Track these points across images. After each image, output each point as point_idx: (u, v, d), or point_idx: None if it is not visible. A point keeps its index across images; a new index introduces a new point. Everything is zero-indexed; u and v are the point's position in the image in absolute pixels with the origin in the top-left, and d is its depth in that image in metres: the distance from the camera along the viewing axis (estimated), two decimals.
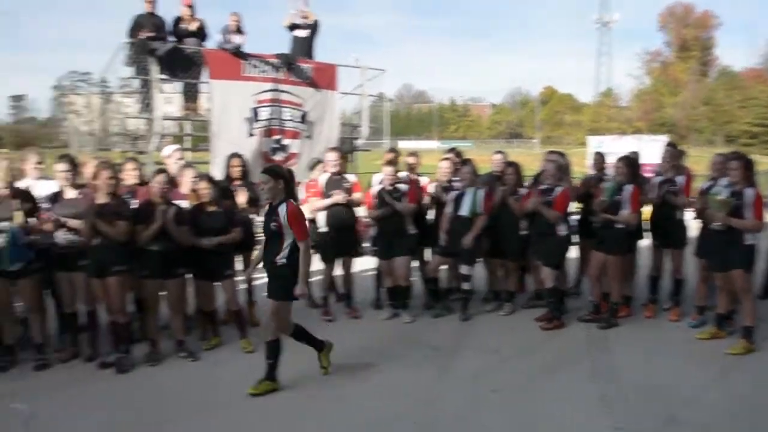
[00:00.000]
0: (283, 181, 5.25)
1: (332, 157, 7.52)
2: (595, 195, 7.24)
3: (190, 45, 10.56)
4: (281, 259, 5.23)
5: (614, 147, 16.62)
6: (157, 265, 6.01)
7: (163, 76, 10.44)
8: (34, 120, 78.60)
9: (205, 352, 6.36)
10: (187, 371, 5.91)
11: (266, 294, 5.40)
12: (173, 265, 6.10)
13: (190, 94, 11.01)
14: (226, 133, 9.99)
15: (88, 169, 6.52)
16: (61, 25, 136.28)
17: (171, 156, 7.21)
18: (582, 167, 13.66)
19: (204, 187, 6.38)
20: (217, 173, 7.88)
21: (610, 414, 4.91)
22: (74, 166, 6.31)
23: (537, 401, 5.17)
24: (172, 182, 6.54)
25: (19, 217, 5.74)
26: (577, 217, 7.92)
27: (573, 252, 7.67)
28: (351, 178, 7.56)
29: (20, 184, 6.15)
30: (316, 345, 5.72)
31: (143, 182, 6.65)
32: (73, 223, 5.85)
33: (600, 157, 8.18)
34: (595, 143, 22.05)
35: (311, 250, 7.30)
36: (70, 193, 6.11)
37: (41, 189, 6.24)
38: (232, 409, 5.09)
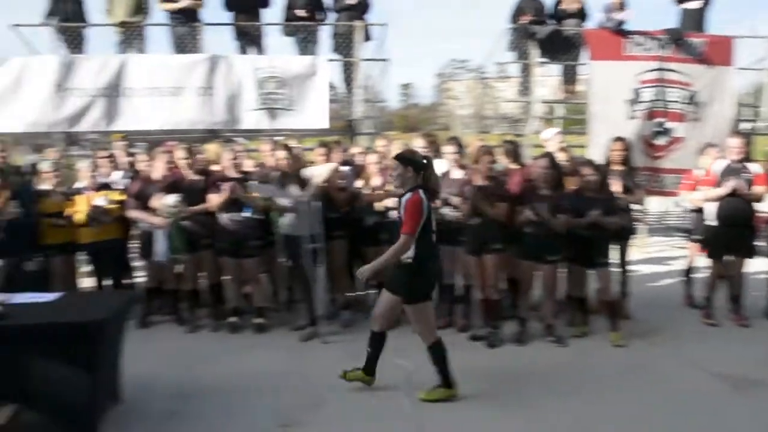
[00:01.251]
0: (414, 168, 4.75)
1: (735, 142, 6.71)
2: None
3: (570, 26, 10.45)
4: (406, 257, 4.73)
5: None
6: (532, 247, 6.08)
7: (543, 60, 10.54)
8: (418, 106, 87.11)
9: (572, 338, 6.26)
10: (551, 354, 5.88)
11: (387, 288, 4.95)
12: (547, 249, 6.09)
13: (569, 77, 10.93)
14: (604, 115, 9.61)
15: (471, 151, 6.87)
16: (445, 16, 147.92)
17: (552, 139, 7.19)
18: None
19: (588, 172, 6.23)
20: (596, 157, 7.63)
21: None
22: (460, 148, 6.71)
23: None
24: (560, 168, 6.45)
25: None
26: None
27: None
28: (754, 168, 6.64)
29: None
30: (446, 378, 4.93)
31: (521, 164, 6.75)
32: (456, 201, 6.23)
33: None
34: None
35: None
36: (456, 173, 6.50)
37: None
38: (591, 397, 4.94)
